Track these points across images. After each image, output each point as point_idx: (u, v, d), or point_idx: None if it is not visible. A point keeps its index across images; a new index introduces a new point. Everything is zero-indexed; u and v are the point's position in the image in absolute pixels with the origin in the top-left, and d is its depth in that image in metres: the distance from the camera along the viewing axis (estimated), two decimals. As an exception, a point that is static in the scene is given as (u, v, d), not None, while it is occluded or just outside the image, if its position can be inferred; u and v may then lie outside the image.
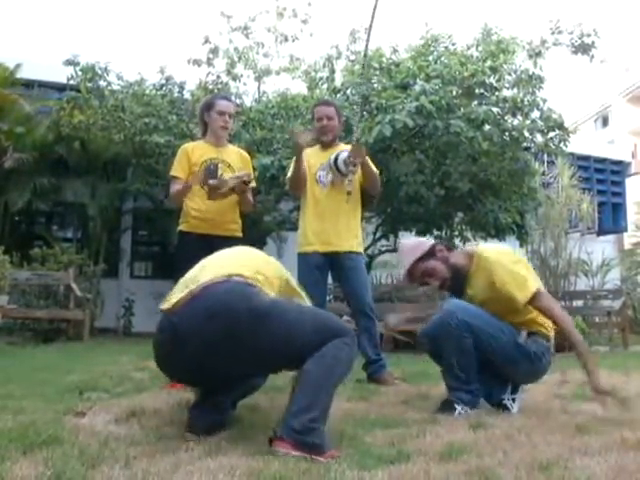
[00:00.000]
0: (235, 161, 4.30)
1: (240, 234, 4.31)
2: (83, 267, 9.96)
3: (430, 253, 3.17)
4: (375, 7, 3.84)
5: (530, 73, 9.14)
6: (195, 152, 4.22)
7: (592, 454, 2.15)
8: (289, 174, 4.33)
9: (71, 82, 10.42)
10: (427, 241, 3.37)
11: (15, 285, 9.09)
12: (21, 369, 4.89)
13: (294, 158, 4.29)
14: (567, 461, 2.05)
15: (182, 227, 4.24)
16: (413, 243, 3.42)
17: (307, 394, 2.18)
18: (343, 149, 4.29)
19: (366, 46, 4.60)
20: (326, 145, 4.36)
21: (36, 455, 2.03)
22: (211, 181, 3.98)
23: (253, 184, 4.36)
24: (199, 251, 4.09)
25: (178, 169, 4.22)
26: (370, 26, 3.97)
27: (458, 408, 2.91)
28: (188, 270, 4.06)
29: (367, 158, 4.16)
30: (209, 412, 2.52)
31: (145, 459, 2.02)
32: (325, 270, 4.39)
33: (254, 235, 10.00)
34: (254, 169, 8.13)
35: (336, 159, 4.08)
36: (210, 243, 4.09)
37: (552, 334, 3.06)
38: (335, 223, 4.26)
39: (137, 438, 2.35)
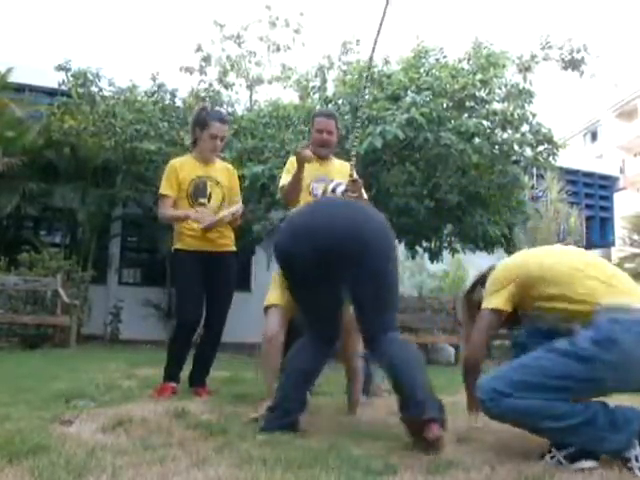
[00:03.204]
0: (223, 178, 4.28)
1: (234, 248, 4.34)
2: (71, 273, 9.89)
3: (483, 281, 2.87)
4: (383, 18, 3.82)
5: (520, 87, 9.20)
6: (183, 169, 4.18)
7: (578, 469, 2.17)
8: (286, 183, 4.26)
9: (62, 87, 10.42)
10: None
11: (2, 290, 9.05)
12: (7, 375, 4.86)
13: (286, 167, 4.27)
14: (553, 476, 2.06)
15: (177, 245, 4.20)
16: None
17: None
18: (336, 167, 4.26)
19: (371, 56, 4.53)
20: (321, 158, 4.32)
21: (22, 464, 2.02)
22: (207, 224, 4.04)
23: (239, 199, 4.40)
24: (196, 267, 4.13)
25: (167, 187, 4.16)
26: (377, 35, 3.93)
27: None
28: (188, 287, 4.11)
29: (363, 191, 4.14)
30: (280, 417, 2.78)
31: (132, 469, 2.02)
32: None
33: (244, 244, 9.98)
34: (244, 178, 8.21)
35: (333, 193, 4.06)
36: (205, 259, 4.13)
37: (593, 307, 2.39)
38: None
39: (124, 447, 2.34)
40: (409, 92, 8.44)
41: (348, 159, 4.26)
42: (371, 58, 4.60)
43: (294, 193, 4.16)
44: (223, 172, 4.33)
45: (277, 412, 2.81)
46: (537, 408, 2.26)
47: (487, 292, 2.76)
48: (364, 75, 8.32)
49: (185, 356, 4.13)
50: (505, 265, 2.81)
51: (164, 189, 4.17)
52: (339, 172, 4.13)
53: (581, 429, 2.24)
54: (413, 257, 10.33)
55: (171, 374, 4.06)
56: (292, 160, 4.24)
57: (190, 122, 4.52)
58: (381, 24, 3.85)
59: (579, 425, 2.24)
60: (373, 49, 4.19)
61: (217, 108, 8.51)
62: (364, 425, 3.00)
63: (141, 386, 4.28)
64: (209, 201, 4.17)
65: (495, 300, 2.68)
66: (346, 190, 3.97)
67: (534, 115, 9.24)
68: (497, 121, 9.14)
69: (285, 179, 4.22)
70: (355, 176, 3.98)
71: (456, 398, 3.38)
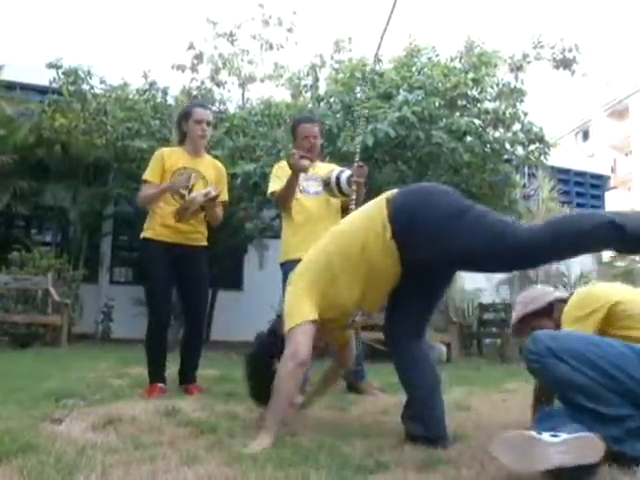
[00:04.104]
0: (210, 173, 4.20)
1: (205, 243, 4.24)
2: (62, 272, 9.85)
3: (546, 311, 2.83)
4: (391, 13, 3.81)
5: (512, 86, 9.24)
6: (170, 158, 4.13)
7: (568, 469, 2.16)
8: (278, 189, 4.23)
9: (53, 85, 10.39)
10: (548, 295, 2.93)
11: (-7, 289, 9.02)
12: (-3, 374, 4.83)
13: (276, 173, 4.27)
14: (544, 473, 2.06)
15: (147, 234, 4.09)
16: (533, 295, 2.97)
17: None
18: (322, 168, 4.28)
19: (377, 51, 4.54)
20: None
21: (11, 463, 2.01)
22: (178, 210, 3.93)
23: (225, 197, 4.28)
24: (166, 263, 4.06)
25: (151, 174, 4.09)
26: (384, 30, 3.93)
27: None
28: (159, 286, 4.02)
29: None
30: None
31: (122, 467, 2.01)
32: None
33: (236, 242, 9.97)
34: (236, 177, 8.20)
35: (338, 179, 4.05)
36: (175, 253, 4.05)
37: None
38: (317, 231, 4.21)
39: (114, 446, 2.33)
40: (401, 90, 8.45)
41: (340, 157, 4.28)
42: (376, 55, 4.61)
43: (288, 198, 4.17)
44: (210, 168, 4.25)
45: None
46: (579, 383, 2.19)
47: (571, 317, 2.59)
48: (356, 75, 8.33)
49: (165, 353, 4.08)
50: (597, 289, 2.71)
51: (148, 175, 4.11)
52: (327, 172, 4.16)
53: (608, 422, 2.16)
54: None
55: (156, 374, 4.00)
56: (282, 166, 4.27)
57: (175, 124, 4.53)
58: (388, 21, 3.85)
59: (609, 417, 2.16)
60: (379, 46, 4.20)
61: (208, 105, 8.54)
62: (355, 423, 2.99)
63: (132, 385, 4.26)
64: (189, 194, 4.03)
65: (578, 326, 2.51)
66: (351, 175, 3.98)
67: (526, 114, 9.27)
68: (489, 120, 9.16)
69: (276, 184, 4.23)
70: (360, 163, 4.00)
71: (447, 396, 3.38)
